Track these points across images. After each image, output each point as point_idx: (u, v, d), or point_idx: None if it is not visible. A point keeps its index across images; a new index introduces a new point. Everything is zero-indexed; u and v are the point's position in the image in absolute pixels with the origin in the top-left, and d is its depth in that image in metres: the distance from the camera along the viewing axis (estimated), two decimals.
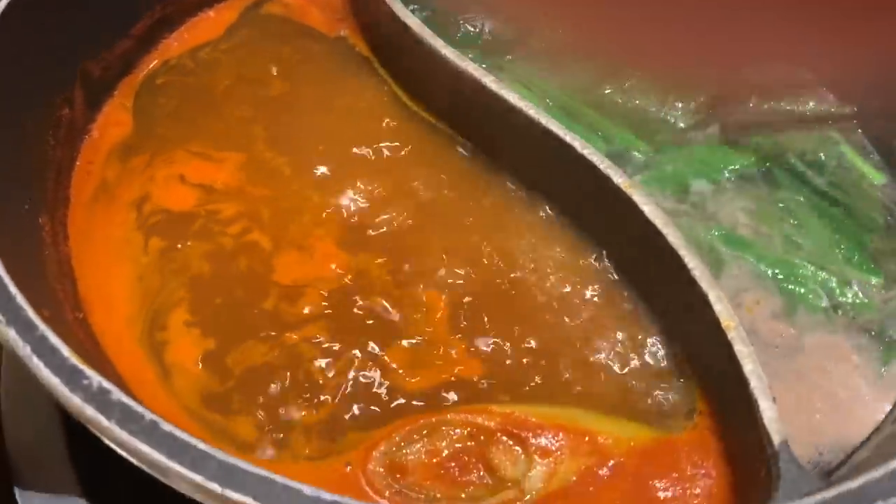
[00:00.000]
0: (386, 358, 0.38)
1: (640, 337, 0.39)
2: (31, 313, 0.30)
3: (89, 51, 0.48)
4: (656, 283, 0.40)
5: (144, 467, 0.27)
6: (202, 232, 0.44)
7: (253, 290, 0.41)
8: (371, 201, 0.45)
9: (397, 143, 0.49)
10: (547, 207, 0.45)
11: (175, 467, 0.26)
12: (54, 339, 0.29)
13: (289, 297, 0.41)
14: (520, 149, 0.45)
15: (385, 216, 0.45)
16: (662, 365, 0.39)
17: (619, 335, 0.39)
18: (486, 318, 0.40)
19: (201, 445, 0.27)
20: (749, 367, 0.34)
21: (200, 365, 0.38)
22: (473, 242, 0.42)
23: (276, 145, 0.48)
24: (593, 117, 0.51)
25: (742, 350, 0.35)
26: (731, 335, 0.35)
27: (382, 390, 0.37)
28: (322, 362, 0.38)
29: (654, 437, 0.36)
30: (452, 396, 0.38)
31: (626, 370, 0.38)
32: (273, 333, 0.39)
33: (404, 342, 0.39)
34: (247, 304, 0.40)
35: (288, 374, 0.37)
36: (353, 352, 0.38)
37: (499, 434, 0.36)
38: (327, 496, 0.26)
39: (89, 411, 0.27)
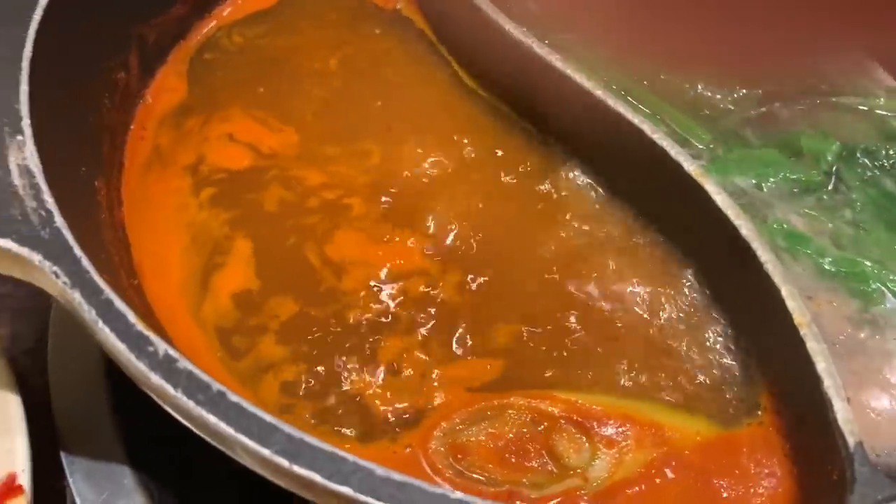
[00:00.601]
0: (444, 341, 0.37)
1: (707, 330, 0.38)
2: (96, 277, 0.29)
3: (145, 16, 0.47)
4: (726, 275, 0.38)
5: (209, 438, 0.27)
6: (256, 197, 0.43)
7: (309, 263, 0.40)
8: (426, 187, 0.44)
9: (455, 123, 0.48)
10: (611, 193, 0.44)
11: (242, 439, 0.26)
12: (120, 305, 0.28)
13: (344, 274, 0.40)
14: (585, 132, 0.44)
15: (442, 203, 0.43)
16: (728, 359, 0.37)
17: (686, 327, 0.38)
18: (551, 305, 0.39)
19: (268, 418, 0.26)
20: (822, 365, 0.33)
21: None
22: (537, 229, 0.41)
23: (326, 118, 0.47)
24: (654, 101, 0.49)
25: (815, 347, 0.34)
26: (804, 332, 0.34)
27: (439, 372, 0.36)
28: (382, 341, 0.37)
29: (719, 433, 0.35)
30: (513, 381, 0.37)
31: (692, 363, 0.37)
32: (333, 308, 0.38)
33: (461, 325, 0.38)
34: (305, 275, 0.39)
35: (352, 356, 0.36)
36: (420, 331, 0.37)
37: (563, 422, 0.35)
38: (397, 476, 0.25)
39: (155, 379, 0.27)
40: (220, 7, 0.52)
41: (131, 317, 0.28)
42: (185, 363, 0.27)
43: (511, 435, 0.35)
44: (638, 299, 0.39)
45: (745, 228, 0.37)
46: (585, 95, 0.42)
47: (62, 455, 0.40)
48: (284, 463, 0.25)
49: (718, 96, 0.50)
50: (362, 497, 0.25)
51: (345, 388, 0.36)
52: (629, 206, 0.42)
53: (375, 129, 0.46)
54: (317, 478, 0.25)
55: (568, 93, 0.43)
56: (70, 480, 0.40)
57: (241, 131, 0.46)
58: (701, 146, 0.47)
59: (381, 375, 0.36)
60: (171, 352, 0.27)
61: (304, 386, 0.36)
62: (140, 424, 0.43)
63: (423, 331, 0.37)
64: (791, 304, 0.35)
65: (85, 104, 0.41)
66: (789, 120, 0.50)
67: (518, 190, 0.43)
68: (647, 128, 0.40)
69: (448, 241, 0.41)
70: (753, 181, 0.46)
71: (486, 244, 0.41)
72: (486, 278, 0.39)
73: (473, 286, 0.39)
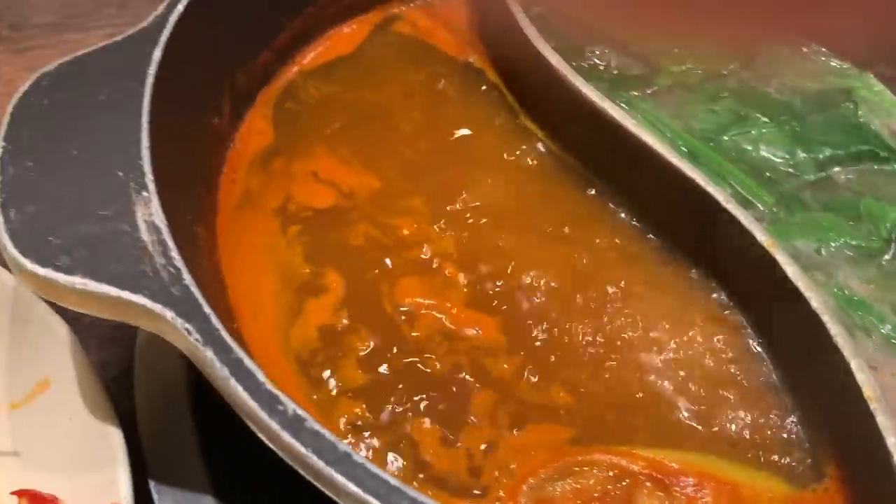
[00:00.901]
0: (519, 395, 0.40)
1: (775, 394, 0.40)
2: (225, 335, 0.31)
3: (237, 62, 0.50)
4: (794, 344, 0.40)
5: (336, 497, 0.29)
6: (343, 234, 0.46)
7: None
8: (497, 245, 0.46)
9: (525, 177, 0.50)
10: (678, 255, 0.46)
11: (369, 499, 0.28)
12: (249, 363, 0.30)
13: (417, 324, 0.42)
14: (653, 193, 0.46)
15: (512, 263, 0.45)
16: (795, 423, 0.39)
17: (753, 389, 0.40)
18: (618, 357, 0.41)
19: (393, 481, 0.28)
20: (892, 440, 0.35)
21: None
22: (599, 288, 0.43)
23: (402, 168, 0.50)
24: (718, 162, 0.51)
25: (884, 423, 0.36)
26: (874, 406, 0.36)
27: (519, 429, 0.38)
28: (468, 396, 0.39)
29: (788, 494, 0.37)
30: (588, 435, 0.39)
31: (761, 423, 0.39)
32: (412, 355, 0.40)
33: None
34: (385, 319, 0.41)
35: (443, 402, 0.38)
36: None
37: (643, 479, 0.37)
38: None
39: (286, 438, 0.29)
40: (301, 53, 0.55)
41: (261, 376, 0.30)
42: (312, 423, 0.29)
43: (595, 492, 0.37)
44: (704, 359, 0.42)
45: (816, 301, 0.39)
46: (658, 160, 0.44)
47: (150, 483, 0.42)
48: None
49: (779, 159, 0.52)
50: None
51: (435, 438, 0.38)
52: (702, 272, 0.44)
53: (445, 184, 0.48)
54: None
55: (641, 156, 0.45)
56: None
57: (324, 170, 0.49)
58: (764, 209, 0.49)
59: (466, 428, 0.38)
60: (300, 412, 0.29)
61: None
62: (226, 455, 0.45)
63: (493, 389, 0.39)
64: (860, 377, 0.37)
65: (188, 152, 0.43)
66: (848, 185, 0.52)
67: (596, 262, 0.45)
68: (721, 197, 0.42)
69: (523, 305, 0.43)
70: (814, 245, 0.48)
71: (555, 306, 0.43)
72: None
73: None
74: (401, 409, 0.39)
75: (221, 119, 0.48)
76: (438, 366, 0.40)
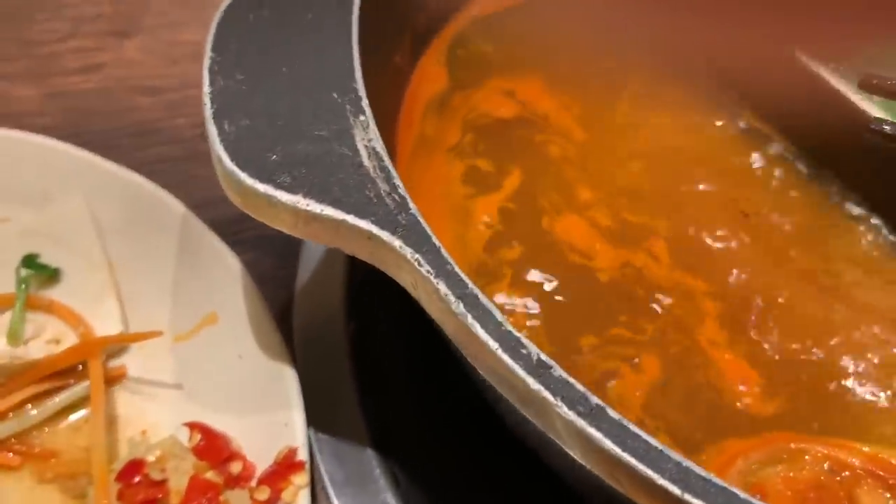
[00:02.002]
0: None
1: None
2: (458, 269, 0.28)
3: (418, 2, 0.47)
4: None
5: (582, 454, 0.26)
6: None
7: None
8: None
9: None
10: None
11: (628, 460, 0.25)
12: (485, 300, 0.28)
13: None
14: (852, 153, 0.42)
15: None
16: None
17: None
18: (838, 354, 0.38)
19: (654, 441, 0.25)
20: None
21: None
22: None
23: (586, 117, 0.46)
24: None
25: None
26: None
27: (738, 404, 0.35)
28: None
29: None
30: (802, 423, 0.35)
31: None
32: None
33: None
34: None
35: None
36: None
37: (863, 474, 0.33)
38: None
39: (533, 385, 0.26)
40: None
41: (499, 314, 0.27)
42: (559, 371, 0.26)
43: (810, 482, 0.33)
44: None
45: None
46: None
47: (310, 432, 0.40)
48: (676, 491, 0.24)
49: None
50: None
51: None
52: None
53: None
54: None
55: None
56: (318, 458, 0.40)
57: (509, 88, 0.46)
58: None
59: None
60: (544, 357, 0.27)
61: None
62: (385, 408, 0.43)
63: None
64: None
65: (381, 87, 0.41)
66: None
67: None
68: None
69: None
70: None
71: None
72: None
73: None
74: None
75: (403, 57, 0.46)
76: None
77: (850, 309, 0.39)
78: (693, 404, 0.36)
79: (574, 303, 0.37)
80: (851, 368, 0.38)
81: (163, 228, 0.42)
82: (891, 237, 0.41)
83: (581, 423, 0.25)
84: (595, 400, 0.26)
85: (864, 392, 0.37)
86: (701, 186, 0.44)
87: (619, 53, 0.48)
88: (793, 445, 0.34)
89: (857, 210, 0.43)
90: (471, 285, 0.28)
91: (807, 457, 0.34)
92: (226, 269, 0.41)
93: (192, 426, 0.37)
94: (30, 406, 0.38)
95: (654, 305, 0.37)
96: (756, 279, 0.40)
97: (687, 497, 0.24)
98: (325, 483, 0.38)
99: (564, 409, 0.26)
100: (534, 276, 0.38)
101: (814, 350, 0.38)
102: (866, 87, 0.37)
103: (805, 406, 0.36)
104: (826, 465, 0.34)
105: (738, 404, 0.35)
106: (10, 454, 0.37)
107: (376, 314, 0.45)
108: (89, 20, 0.58)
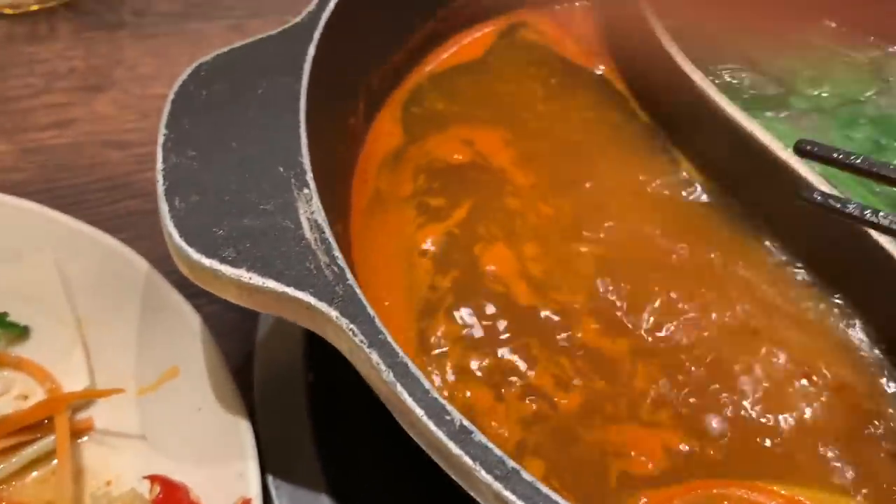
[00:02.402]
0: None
1: None
2: (390, 339, 0.31)
3: (372, 62, 0.50)
4: None
5: None
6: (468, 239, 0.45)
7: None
8: (616, 245, 0.46)
9: (656, 189, 0.49)
10: (812, 275, 0.44)
11: None
12: (414, 369, 0.30)
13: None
14: (805, 228, 0.45)
15: (636, 271, 0.44)
16: None
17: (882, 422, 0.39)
18: (741, 389, 0.40)
19: (561, 500, 0.27)
20: None
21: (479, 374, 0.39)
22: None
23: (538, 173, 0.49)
24: (860, 194, 0.50)
25: None
26: None
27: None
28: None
29: None
30: (732, 468, 0.38)
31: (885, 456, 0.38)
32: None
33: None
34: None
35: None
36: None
37: None
38: None
39: (454, 449, 0.28)
40: (432, 55, 0.54)
41: (426, 383, 0.30)
42: (479, 436, 0.29)
43: None
44: (825, 387, 0.40)
45: None
46: (792, 173, 0.43)
47: (269, 479, 0.42)
48: None
49: None
50: None
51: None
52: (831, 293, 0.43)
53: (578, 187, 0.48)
54: None
55: (786, 178, 0.44)
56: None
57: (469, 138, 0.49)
58: None
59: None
60: (466, 423, 0.29)
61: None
62: (341, 455, 0.45)
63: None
64: None
65: (331, 152, 0.43)
66: None
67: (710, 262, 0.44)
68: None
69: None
70: None
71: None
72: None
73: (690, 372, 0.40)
74: None
75: (357, 119, 0.48)
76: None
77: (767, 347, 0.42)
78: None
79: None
80: (771, 417, 0.40)
81: (128, 285, 0.45)
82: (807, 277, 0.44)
83: (497, 485, 0.28)
84: (511, 464, 0.28)
85: (782, 436, 0.39)
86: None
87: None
88: (714, 491, 0.36)
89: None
90: (401, 354, 0.30)
91: (726, 502, 0.36)
92: (186, 325, 0.43)
93: (153, 479, 0.39)
94: None
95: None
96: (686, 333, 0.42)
97: None
98: None
99: (483, 473, 0.28)
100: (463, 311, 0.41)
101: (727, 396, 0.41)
102: (800, 152, 0.40)
103: (727, 453, 0.38)
104: None
105: (650, 466, 0.37)
106: None
107: (333, 366, 0.47)
108: (62, 76, 0.61)
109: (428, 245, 0.45)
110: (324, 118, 0.42)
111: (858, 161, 0.36)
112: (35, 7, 0.64)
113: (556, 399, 0.39)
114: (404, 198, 0.47)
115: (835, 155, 0.37)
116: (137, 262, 0.45)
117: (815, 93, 0.55)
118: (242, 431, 0.40)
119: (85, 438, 0.43)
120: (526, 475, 0.28)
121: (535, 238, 0.45)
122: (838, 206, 0.37)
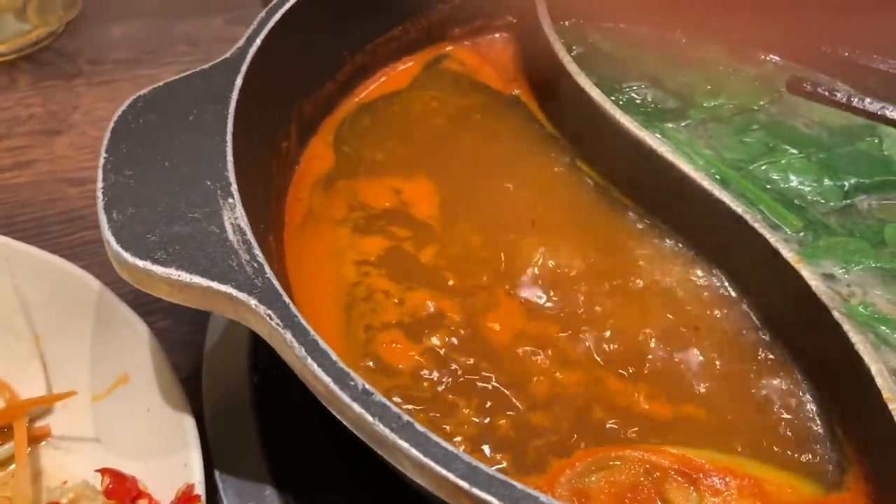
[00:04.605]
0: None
1: (795, 396, 0.43)
2: (303, 320, 0.35)
3: (303, 92, 0.55)
4: (819, 353, 0.43)
5: (397, 463, 0.32)
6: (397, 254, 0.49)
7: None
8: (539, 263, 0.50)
9: (566, 202, 0.54)
10: (713, 271, 0.49)
11: (429, 463, 0.31)
12: (323, 344, 0.34)
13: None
14: (689, 217, 0.50)
15: (558, 282, 0.49)
16: (817, 425, 0.42)
17: (776, 393, 0.43)
18: (654, 366, 0.44)
19: (450, 447, 0.31)
20: None
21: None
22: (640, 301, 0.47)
23: (455, 196, 0.54)
24: (749, 189, 0.55)
25: None
26: (893, 407, 0.39)
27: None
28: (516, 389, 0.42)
29: (811, 491, 0.40)
30: (628, 434, 0.42)
31: (783, 424, 0.42)
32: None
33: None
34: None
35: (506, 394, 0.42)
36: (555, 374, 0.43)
37: (672, 473, 0.40)
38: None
39: (356, 409, 0.32)
40: (361, 86, 0.60)
41: (333, 355, 0.34)
42: (379, 396, 0.33)
43: (627, 483, 0.40)
44: (731, 365, 0.45)
45: (837, 311, 0.42)
46: (692, 185, 0.48)
47: (216, 473, 0.46)
48: (465, 485, 0.31)
49: (807, 187, 0.55)
50: None
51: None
52: (734, 288, 0.48)
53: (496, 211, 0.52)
54: (493, 500, 0.30)
55: (677, 182, 0.49)
56: (223, 496, 0.46)
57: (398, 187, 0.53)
58: (791, 232, 0.52)
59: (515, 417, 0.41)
60: (368, 386, 0.33)
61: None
62: (285, 450, 0.49)
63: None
64: (880, 381, 0.40)
65: (263, 171, 0.48)
66: (871, 213, 0.55)
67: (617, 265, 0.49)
68: (748, 217, 0.46)
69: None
70: (840, 266, 0.51)
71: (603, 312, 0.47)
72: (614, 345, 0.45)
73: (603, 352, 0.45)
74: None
75: (289, 143, 0.53)
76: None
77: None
78: None
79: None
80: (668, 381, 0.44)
81: (82, 302, 0.49)
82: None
83: (393, 436, 0.32)
84: (406, 418, 0.32)
85: (680, 402, 0.43)
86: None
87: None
88: (614, 454, 0.41)
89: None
90: (312, 332, 0.35)
91: (625, 463, 0.40)
92: (136, 335, 0.47)
93: (104, 471, 0.43)
94: None
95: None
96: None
97: (474, 490, 0.30)
98: None
99: (381, 427, 0.32)
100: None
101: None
102: (794, 90, 0.46)
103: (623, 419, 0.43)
104: (643, 469, 0.40)
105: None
106: None
107: (276, 368, 0.51)
108: (22, 121, 0.65)
109: (361, 254, 0.50)
110: (254, 141, 0.47)
111: (839, 95, 0.43)
112: None
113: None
114: (337, 220, 0.52)
115: (820, 90, 0.43)
116: (90, 282, 0.49)
117: (712, 104, 0.60)
118: (187, 427, 0.44)
119: (43, 444, 0.46)
120: (419, 426, 0.32)
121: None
122: (826, 93, 0.43)
